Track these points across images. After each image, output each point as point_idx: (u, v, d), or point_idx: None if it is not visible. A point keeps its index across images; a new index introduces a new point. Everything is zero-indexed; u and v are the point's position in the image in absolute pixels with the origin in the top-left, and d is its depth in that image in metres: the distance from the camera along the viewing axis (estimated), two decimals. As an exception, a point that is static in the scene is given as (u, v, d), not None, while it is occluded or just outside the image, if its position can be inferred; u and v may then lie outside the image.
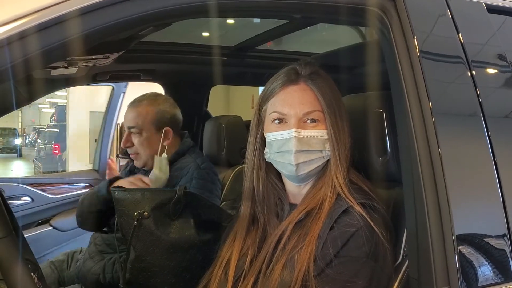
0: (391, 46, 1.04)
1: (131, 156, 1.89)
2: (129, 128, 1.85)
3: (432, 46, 1.06)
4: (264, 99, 1.18)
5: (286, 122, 1.12)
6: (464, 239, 0.95)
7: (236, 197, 2.10)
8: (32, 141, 24.41)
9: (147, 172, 1.95)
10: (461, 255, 0.93)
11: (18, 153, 25.16)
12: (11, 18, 0.73)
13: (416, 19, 1.04)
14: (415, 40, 1.02)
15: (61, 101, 19.97)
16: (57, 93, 18.15)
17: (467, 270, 0.93)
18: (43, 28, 0.74)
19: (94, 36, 0.81)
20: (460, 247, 0.93)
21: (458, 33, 1.07)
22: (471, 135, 1.03)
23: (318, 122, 1.11)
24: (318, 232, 1.04)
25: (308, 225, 1.07)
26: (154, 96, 1.95)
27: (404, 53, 1.02)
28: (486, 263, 0.96)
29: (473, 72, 1.05)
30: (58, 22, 0.76)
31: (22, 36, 0.73)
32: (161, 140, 1.85)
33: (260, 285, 1.07)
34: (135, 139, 1.85)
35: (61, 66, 1.63)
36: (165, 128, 1.87)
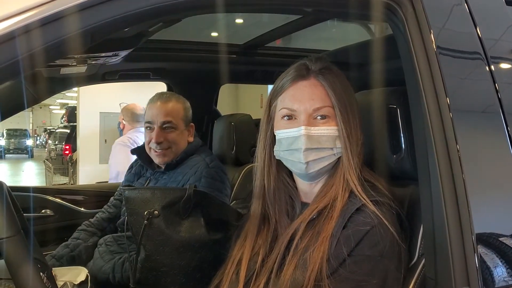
0: (407, 41, 1.01)
1: (158, 152, 1.88)
2: (163, 123, 1.87)
3: (449, 40, 1.03)
4: (274, 95, 1.16)
5: (295, 118, 1.10)
6: (484, 237, 0.92)
7: (246, 196, 2.09)
8: (43, 142, 24.64)
9: (155, 173, 1.95)
10: (481, 254, 0.90)
11: (29, 154, 25.43)
12: (13, 13, 0.72)
13: (432, 12, 1.01)
14: (432, 34, 1.00)
15: (71, 102, 20.14)
16: (67, 94, 18.31)
17: (487, 270, 0.91)
18: (47, 22, 0.73)
19: (100, 31, 0.80)
20: (479, 246, 0.90)
21: (475, 27, 1.04)
22: (490, 131, 1.00)
23: (329, 118, 1.08)
24: (331, 231, 1.02)
25: (320, 224, 1.05)
26: (176, 94, 2.03)
27: (420, 48, 1.00)
28: (507, 263, 0.93)
29: (492, 67, 1.02)
30: (61, 16, 0.74)
31: (26, 30, 0.72)
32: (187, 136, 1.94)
33: (272, 285, 1.05)
34: (170, 134, 1.88)
35: (70, 64, 1.62)
36: (190, 124, 1.96)
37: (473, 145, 0.97)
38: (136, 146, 3.29)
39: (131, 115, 3.61)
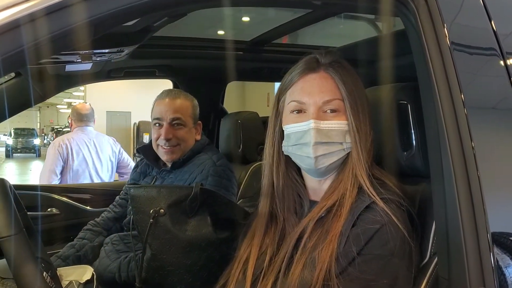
0: (419, 35, 0.99)
1: (167, 149, 1.87)
2: (173, 120, 1.86)
3: (463, 34, 1.01)
4: (282, 90, 1.14)
5: (304, 111, 1.08)
6: (500, 236, 0.89)
7: (253, 194, 2.08)
8: (51, 141, 24.80)
9: (161, 172, 1.93)
10: (497, 254, 0.88)
11: (37, 153, 25.62)
12: (17, 1, 0.71)
13: (445, 5, 0.99)
14: (445, 28, 0.97)
15: (78, 101, 20.30)
16: (75, 93, 18.44)
17: (502, 270, 0.88)
18: (51, 11, 0.71)
19: (103, 23, 0.78)
20: (495, 245, 0.88)
21: (490, 20, 1.01)
22: (506, 127, 0.98)
23: (338, 112, 1.06)
24: (340, 229, 1.00)
25: (329, 222, 1.03)
26: (184, 92, 2.01)
27: (433, 42, 0.97)
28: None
29: (507, 62, 0.99)
30: (64, 6, 0.72)
31: (31, 19, 0.70)
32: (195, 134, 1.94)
33: (280, 285, 1.03)
34: (179, 131, 1.87)
35: (75, 61, 1.61)
36: (198, 122, 1.95)
37: (489, 142, 0.95)
38: (66, 148, 3.53)
39: (76, 115, 3.75)
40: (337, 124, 1.06)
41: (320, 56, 1.11)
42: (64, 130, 17.94)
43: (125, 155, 3.89)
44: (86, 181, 3.56)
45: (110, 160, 3.72)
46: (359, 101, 1.07)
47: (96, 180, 3.60)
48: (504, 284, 0.88)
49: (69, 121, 3.92)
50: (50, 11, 0.71)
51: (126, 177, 3.48)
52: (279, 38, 2.35)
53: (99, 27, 0.78)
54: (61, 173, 3.53)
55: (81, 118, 3.73)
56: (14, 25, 0.70)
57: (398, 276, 0.95)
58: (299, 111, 1.09)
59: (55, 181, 3.45)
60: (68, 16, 0.73)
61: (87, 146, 3.63)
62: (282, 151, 1.14)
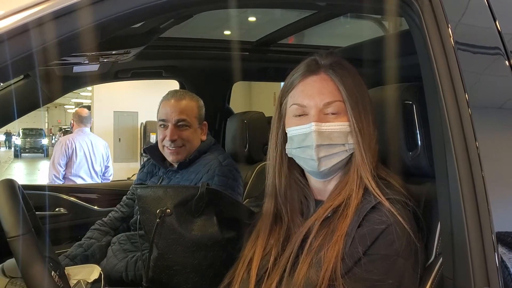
0: (423, 35, 0.99)
1: (172, 150, 1.88)
2: (178, 121, 1.87)
3: (468, 34, 1.01)
4: (284, 92, 1.15)
5: (306, 114, 1.08)
6: (507, 235, 0.89)
7: (259, 194, 2.08)
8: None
9: (168, 172, 1.94)
10: (501, 254, 0.88)
11: (45, 153, 25.78)
12: (27, 5, 0.72)
13: (450, 5, 0.99)
14: (449, 29, 0.97)
15: (86, 102, 20.39)
16: (82, 93, 18.53)
17: (507, 270, 0.88)
18: (59, 16, 0.72)
19: (109, 26, 0.79)
20: (500, 245, 0.88)
21: (494, 20, 1.01)
22: (510, 128, 0.97)
23: (340, 113, 1.06)
24: (346, 229, 1.00)
25: (335, 222, 1.04)
26: (189, 92, 2.03)
27: (437, 42, 0.97)
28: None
29: None
30: (74, 10, 0.73)
31: (39, 23, 0.71)
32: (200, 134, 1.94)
33: (285, 285, 1.03)
34: (184, 132, 1.88)
35: (82, 62, 1.62)
36: (204, 122, 1.96)
37: (493, 142, 0.94)
38: (71, 147, 4.33)
39: (78, 117, 4.58)
40: (339, 126, 1.06)
41: (320, 58, 1.11)
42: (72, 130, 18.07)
43: (110, 157, 4.80)
44: (86, 171, 4.47)
45: (102, 157, 4.59)
46: (360, 102, 1.07)
47: (91, 171, 4.49)
48: (511, 283, 0.88)
49: (72, 123, 4.79)
50: (57, 15, 0.72)
51: (104, 178, 4.62)
52: (285, 38, 2.35)
53: (105, 30, 0.79)
54: (66, 165, 4.40)
55: (81, 120, 4.55)
56: (23, 29, 0.71)
57: (404, 276, 0.95)
58: (301, 114, 1.09)
59: (61, 172, 4.38)
60: (75, 20, 0.74)
61: (86, 144, 4.48)
62: (286, 153, 1.14)
